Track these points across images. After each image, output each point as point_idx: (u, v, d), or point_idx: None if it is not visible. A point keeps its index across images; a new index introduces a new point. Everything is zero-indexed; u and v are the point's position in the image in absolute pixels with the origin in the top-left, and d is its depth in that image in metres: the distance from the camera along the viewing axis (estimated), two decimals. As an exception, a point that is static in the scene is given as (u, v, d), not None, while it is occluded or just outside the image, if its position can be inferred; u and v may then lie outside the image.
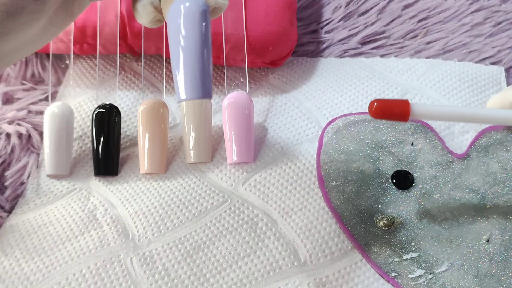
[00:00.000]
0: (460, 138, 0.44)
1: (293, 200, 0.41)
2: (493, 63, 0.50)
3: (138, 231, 0.40)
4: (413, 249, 0.38)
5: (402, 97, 0.47)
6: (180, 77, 0.31)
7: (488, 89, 0.48)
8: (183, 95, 0.31)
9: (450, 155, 0.42)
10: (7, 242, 0.40)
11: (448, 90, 0.47)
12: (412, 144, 0.43)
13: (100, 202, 0.42)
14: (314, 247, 0.38)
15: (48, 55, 0.50)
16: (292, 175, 0.42)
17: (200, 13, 0.31)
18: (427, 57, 0.51)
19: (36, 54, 0.51)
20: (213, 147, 0.45)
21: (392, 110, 0.33)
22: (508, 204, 0.40)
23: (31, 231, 0.40)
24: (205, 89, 0.31)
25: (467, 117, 0.36)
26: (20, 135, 0.45)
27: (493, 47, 0.51)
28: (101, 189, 0.43)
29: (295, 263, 0.38)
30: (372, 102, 0.33)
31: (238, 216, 0.40)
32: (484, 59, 0.50)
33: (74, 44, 0.47)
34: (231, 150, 0.43)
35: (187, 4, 0.30)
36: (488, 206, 0.39)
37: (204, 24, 0.31)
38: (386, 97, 0.47)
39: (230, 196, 0.42)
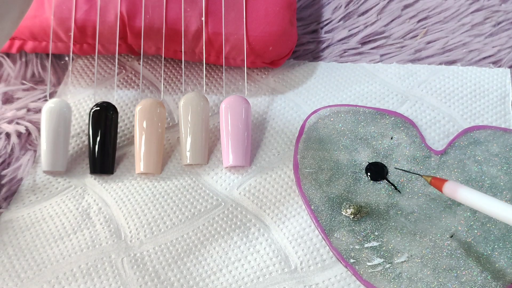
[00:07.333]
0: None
1: (286, 206, 0.41)
2: (493, 63, 0.50)
3: (130, 232, 0.40)
4: (375, 238, 0.38)
5: (402, 104, 0.47)
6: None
7: (492, 92, 0.47)
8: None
9: (428, 151, 0.42)
10: (0, 238, 0.40)
11: (449, 97, 0.47)
12: (391, 138, 0.43)
13: (95, 200, 0.42)
14: (305, 254, 0.38)
15: (48, 55, 0.50)
16: (287, 181, 0.42)
17: None
18: (427, 57, 0.51)
19: (36, 54, 0.51)
20: (209, 149, 0.45)
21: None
22: None
23: (24, 228, 0.40)
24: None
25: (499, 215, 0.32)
26: (19, 134, 0.46)
27: (493, 47, 0.51)
28: (96, 188, 0.43)
29: (285, 270, 0.38)
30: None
31: (231, 220, 0.40)
32: (484, 58, 0.50)
33: (74, 44, 0.47)
34: (228, 153, 0.43)
35: None
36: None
37: None
38: (385, 104, 0.47)
39: (224, 200, 0.41)
